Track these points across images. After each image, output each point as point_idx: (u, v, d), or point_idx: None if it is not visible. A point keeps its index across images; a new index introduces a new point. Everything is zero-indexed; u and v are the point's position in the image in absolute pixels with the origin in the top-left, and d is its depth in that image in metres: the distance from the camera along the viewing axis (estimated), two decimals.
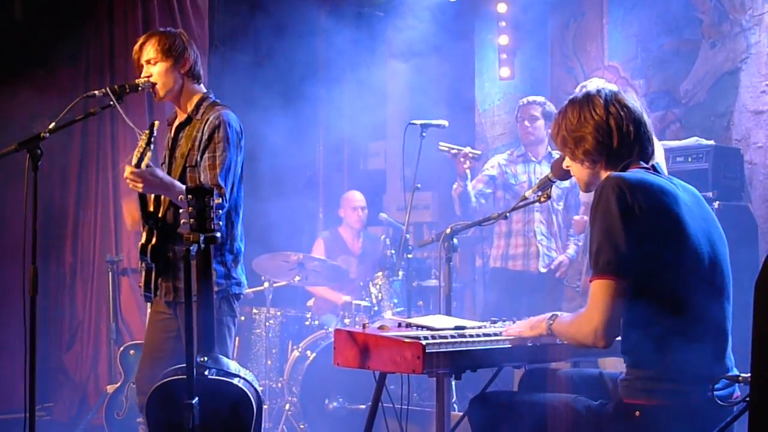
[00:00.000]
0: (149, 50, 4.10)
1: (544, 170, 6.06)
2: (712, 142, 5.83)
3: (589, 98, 2.99)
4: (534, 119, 6.16)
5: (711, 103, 6.51)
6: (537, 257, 6.07)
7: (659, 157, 5.07)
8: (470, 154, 5.76)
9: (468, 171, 5.85)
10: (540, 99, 6.20)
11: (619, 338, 2.80)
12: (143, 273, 4.06)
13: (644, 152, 2.94)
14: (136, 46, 4.16)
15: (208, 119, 4.03)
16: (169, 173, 4.07)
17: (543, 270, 6.05)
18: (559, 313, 3.01)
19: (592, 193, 2.87)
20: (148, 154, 3.67)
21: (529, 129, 6.19)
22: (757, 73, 6.24)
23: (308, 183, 9.30)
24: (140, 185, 3.70)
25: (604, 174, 2.95)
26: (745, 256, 5.20)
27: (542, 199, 3.75)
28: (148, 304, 4.29)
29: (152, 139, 3.68)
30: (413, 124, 5.73)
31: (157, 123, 3.84)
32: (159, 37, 4.12)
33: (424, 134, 5.72)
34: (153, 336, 4.21)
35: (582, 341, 2.77)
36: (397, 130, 8.79)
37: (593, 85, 5.03)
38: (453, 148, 5.73)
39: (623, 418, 2.74)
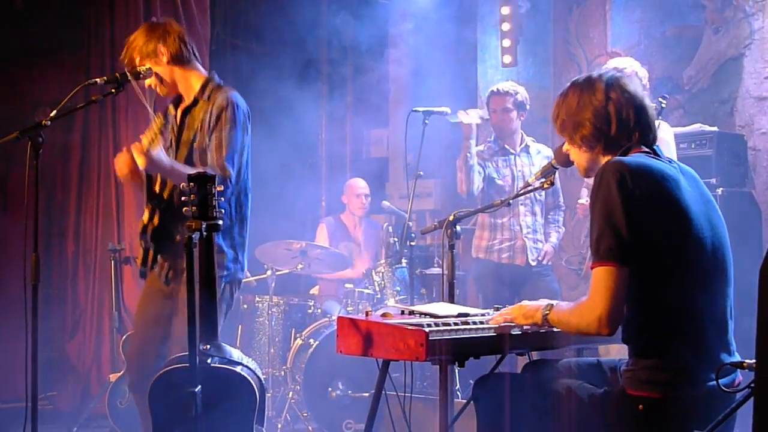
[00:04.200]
0: (135, 48, 4.09)
1: (525, 162, 6.04)
2: (715, 129, 5.83)
3: (590, 82, 2.95)
4: (507, 111, 5.99)
5: (714, 89, 6.50)
6: (524, 251, 5.99)
7: (669, 141, 5.05)
8: (480, 114, 5.76)
9: (474, 129, 5.80)
10: (511, 89, 6.00)
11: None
12: (141, 251, 4.05)
13: (645, 138, 2.91)
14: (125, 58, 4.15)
15: (216, 100, 4.00)
16: (175, 156, 4.06)
17: (533, 263, 6.00)
18: (554, 302, 2.97)
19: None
20: (159, 139, 3.66)
21: (502, 120, 6.04)
22: (760, 59, 6.23)
23: (311, 171, 9.28)
24: (143, 162, 3.70)
25: (602, 159, 2.92)
26: (748, 241, 5.22)
27: (546, 186, 3.72)
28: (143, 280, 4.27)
29: (165, 126, 3.67)
30: (416, 111, 5.71)
31: (171, 108, 3.83)
32: (134, 41, 4.10)
33: (426, 121, 5.71)
34: (145, 312, 4.19)
35: (585, 330, 2.73)
36: (399, 117, 8.78)
37: (614, 64, 5.02)
38: (464, 111, 5.74)
39: (626, 410, 2.72)
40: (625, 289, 2.65)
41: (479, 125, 5.85)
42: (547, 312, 2.92)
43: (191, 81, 4.13)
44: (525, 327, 3.00)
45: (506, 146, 6.07)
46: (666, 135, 5.06)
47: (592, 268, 2.71)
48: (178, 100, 4.24)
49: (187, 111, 4.13)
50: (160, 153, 3.75)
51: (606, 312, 2.64)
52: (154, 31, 4.12)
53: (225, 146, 3.92)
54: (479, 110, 5.79)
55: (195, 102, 4.10)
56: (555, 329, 2.97)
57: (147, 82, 4.10)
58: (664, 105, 5.12)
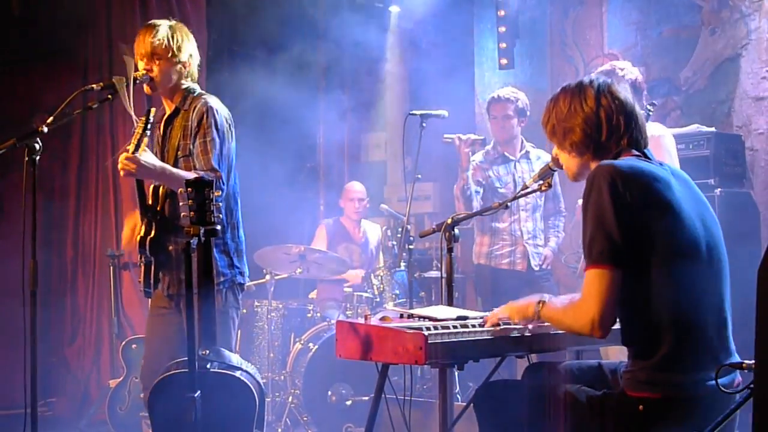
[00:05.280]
0: (155, 45, 4.06)
1: (525, 168, 6.02)
2: (713, 129, 5.82)
3: (581, 88, 2.95)
4: (508, 118, 5.96)
5: (711, 89, 6.50)
6: (524, 257, 5.97)
7: (672, 151, 5.02)
8: (473, 139, 5.74)
9: (470, 156, 5.79)
10: (512, 96, 5.97)
11: (617, 327, 2.78)
12: (142, 267, 4.06)
13: (635, 143, 2.92)
14: (141, 37, 4.11)
15: (195, 107, 4.05)
16: None
17: (536, 269, 5.99)
18: (546, 297, 2.97)
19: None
20: (145, 140, 3.68)
21: (502, 127, 6.01)
22: (757, 59, 6.24)
23: (309, 175, 9.28)
24: (133, 168, 3.70)
25: (592, 164, 2.91)
26: (747, 242, 5.21)
27: (544, 188, 3.71)
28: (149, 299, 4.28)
29: (149, 125, 3.68)
30: (413, 114, 5.71)
31: (153, 110, 3.84)
32: (165, 34, 4.09)
33: (424, 125, 5.69)
34: (154, 332, 4.21)
35: (579, 331, 2.74)
36: (397, 120, 8.78)
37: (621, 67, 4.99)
38: (458, 137, 5.72)
39: (626, 411, 2.72)
40: (618, 291, 2.66)
41: (474, 148, 5.85)
42: (540, 308, 2.93)
43: (180, 84, 4.16)
44: (524, 330, 3.01)
45: (506, 153, 6.06)
46: (669, 144, 5.00)
47: (585, 270, 2.71)
48: (161, 113, 4.26)
49: (169, 121, 4.17)
50: (147, 156, 3.76)
51: (599, 315, 2.64)
52: (185, 33, 4.16)
53: (210, 149, 3.96)
54: (472, 135, 5.79)
55: (176, 112, 4.14)
56: (553, 331, 2.98)
57: (142, 70, 4.09)
58: (651, 112, 5.10)
